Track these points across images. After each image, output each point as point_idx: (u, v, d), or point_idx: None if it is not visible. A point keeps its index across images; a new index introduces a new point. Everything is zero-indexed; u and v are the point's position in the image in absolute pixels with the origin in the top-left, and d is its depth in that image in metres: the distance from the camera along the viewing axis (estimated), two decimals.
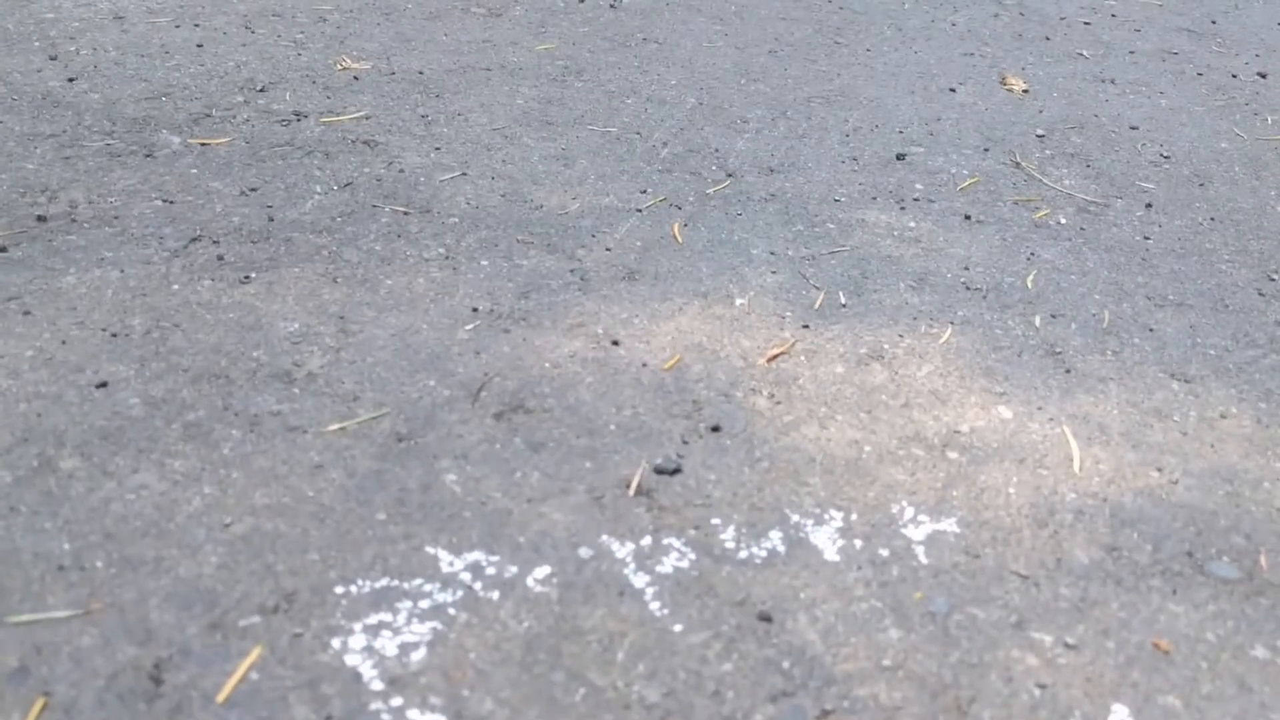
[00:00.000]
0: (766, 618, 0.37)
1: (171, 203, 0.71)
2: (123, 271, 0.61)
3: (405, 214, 0.72)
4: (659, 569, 0.40)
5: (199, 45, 1.08)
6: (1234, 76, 1.18)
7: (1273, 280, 0.71)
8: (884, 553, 0.41)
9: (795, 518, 0.43)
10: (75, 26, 1.09)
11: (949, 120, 0.99)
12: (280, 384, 0.51)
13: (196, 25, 1.15)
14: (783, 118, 0.98)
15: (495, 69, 1.08)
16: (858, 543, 0.42)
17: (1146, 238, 0.77)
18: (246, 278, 0.62)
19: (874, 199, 0.80)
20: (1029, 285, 0.67)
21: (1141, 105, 1.06)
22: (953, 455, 0.49)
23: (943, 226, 0.75)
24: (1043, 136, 0.96)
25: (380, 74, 1.04)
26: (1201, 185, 0.87)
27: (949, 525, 0.43)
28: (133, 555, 0.39)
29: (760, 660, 0.35)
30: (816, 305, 0.62)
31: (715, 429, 0.49)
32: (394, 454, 0.46)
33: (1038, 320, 0.63)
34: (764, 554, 0.41)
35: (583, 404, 0.51)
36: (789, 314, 0.61)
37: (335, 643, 0.35)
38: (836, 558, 0.41)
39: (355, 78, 1.02)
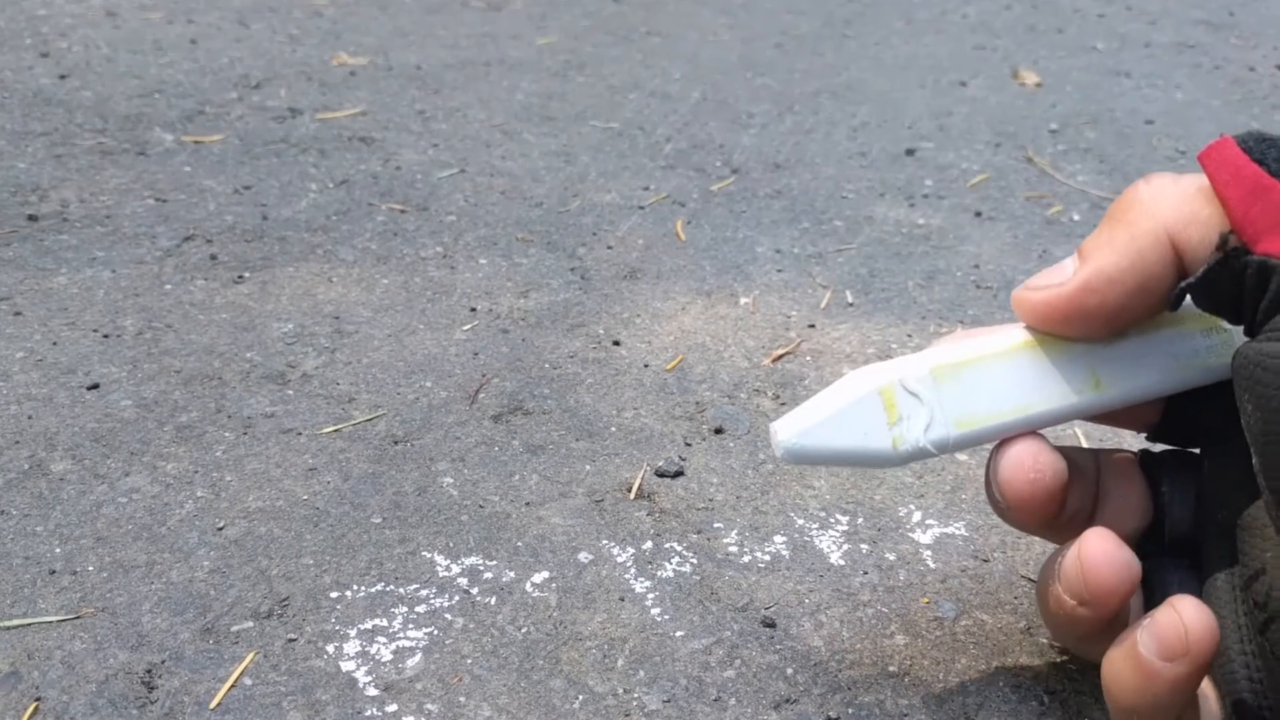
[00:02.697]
0: (770, 623, 0.37)
1: (164, 201, 0.70)
2: (114, 271, 0.60)
3: (402, 212, 0.72)
4: (660, 574, 0.39)
5: (192, 41, 1.07)
6: (1252, 69, 1.17)
7: None
8: (890, 557, 0.41)
9: (800, 521, 0.42)
10: (67, 23, 1.09)
11: (959, 114, 0.98)
12: (274, 385, 0.50)
13: (190, 21, 1.14)
14: (789, 112, 0.97)
15: (495, 64, 1.08)
16: (864, 547, 0.41)
17: None
18: (240, 277, 0.61)
19: (882, 195, 0.79)
20: None
21: (1157, 99, 1.05)
22: (961, 457, 0.48)
23: (953, 223, 0.74)
24: (1055, 131, 0.95)
25: (377, 69, 1.03)
26: None
27: (957, 529, 0.43)
28: (124, 559, 0.38)
29: (763, 667, 0.35)
30: (823, 304, 0.61)
31: (718, 431, 0.48)
32: (390, 456, 0.45)
33: None
34: (767, 558, 0.40)
35: (583, 405, 0.50)
36: (794, 313, 0.60)
37: (330, 648, 0.34)
38: (842, 562, 0.40)
39: (351, 73, 1.01)
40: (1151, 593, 0.28)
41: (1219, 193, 0.23)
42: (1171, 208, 0.24)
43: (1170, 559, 0.28)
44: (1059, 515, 0.28)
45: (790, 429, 0.27)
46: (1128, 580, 0.25)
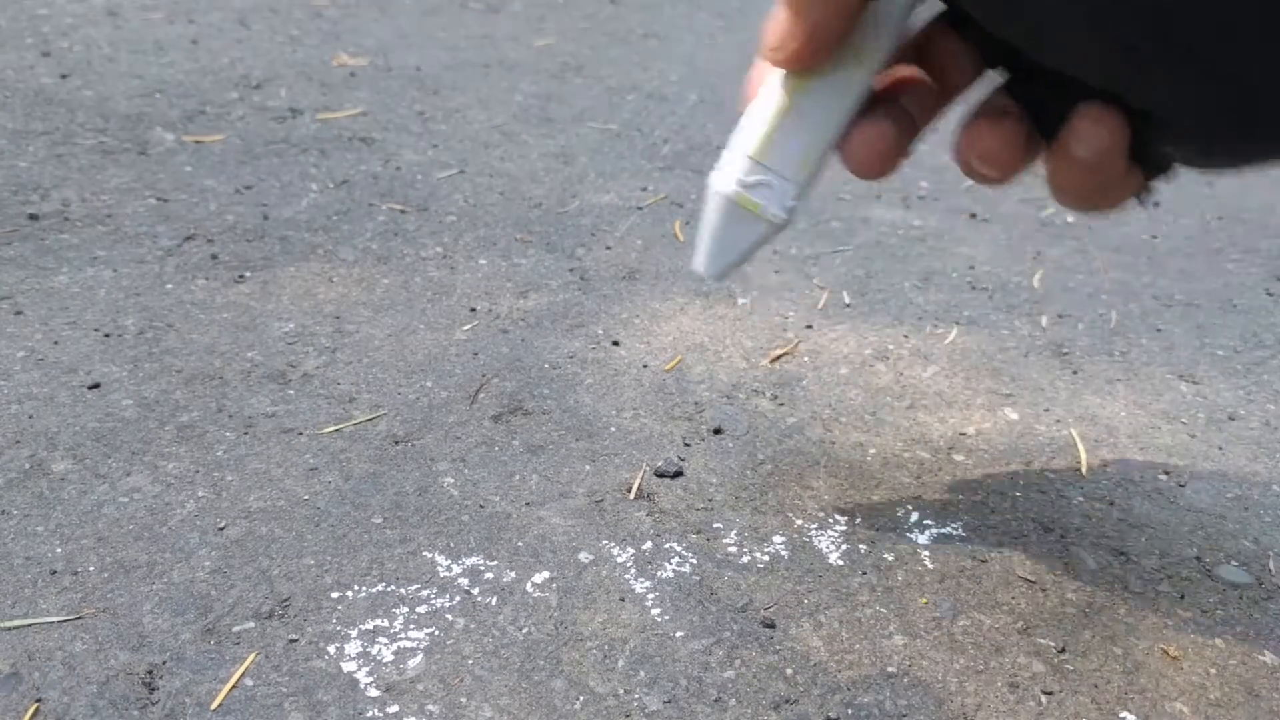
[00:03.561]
0: (769, 624, 0.37)
1: (165, 201, 0.70)
2: (115, 271, 0.60)
3: (402, 212, 0.72)
4: (660, 574, 0.39)
5: (193, 41, 1.07)
6: None
7: None
8: (889, 557, 0.41)
9: (799, 521, 0.43)
10: (68, 23, 1.09)
11: (954, 116, 0.98)
12: (275, 385, 0.50)
13: (191, 21, 1.14)
14: None
15: (494, 65, 1.08)
16: (862, 547, 0.41)
17: (1154, 237, 0.76)
18: (241, 277, 0.61)
19: (878, 197, 0.79)
20: (1035, 285, 0.67)
21: None
22: (959, 458, 0.48)
23: (948, 225, 0.75)
24: None
25: (377, 70, 1.03)
26: (1209, 183, 0.87)
27: (955, 529, 0.43)
28: (125, 559, 0.38)
29: (763, 667, 0.35)
30: (820, 305, 0.62)
31: (717, 431, 0.49)
32: (390, 456, 0.45)
33: (1044, 320, 0.62)
34: (766, 558, 0.40)
35: (582, 406, 0.50)
36: (792, 314, 0.61)
37: (331, 649, 0.34)
38: (840, 562, 0.40)
39: (351, 74, 1.01)
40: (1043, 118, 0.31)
41: None
42: None
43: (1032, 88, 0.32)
44: (909, 141, 0.33)
45: (701, 263, 0.35)
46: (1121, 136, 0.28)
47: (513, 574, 0.38)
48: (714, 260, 0.34)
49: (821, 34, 0.29)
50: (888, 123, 0.32)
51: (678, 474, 0.45)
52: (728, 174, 0.32)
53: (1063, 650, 0.37)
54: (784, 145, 0.32)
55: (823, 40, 0.29)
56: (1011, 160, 0.31)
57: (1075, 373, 0.57)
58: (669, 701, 0.33)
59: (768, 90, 0.32)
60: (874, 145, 0.31)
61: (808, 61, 0.29)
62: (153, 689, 0.32)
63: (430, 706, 0.32)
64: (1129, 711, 0.34)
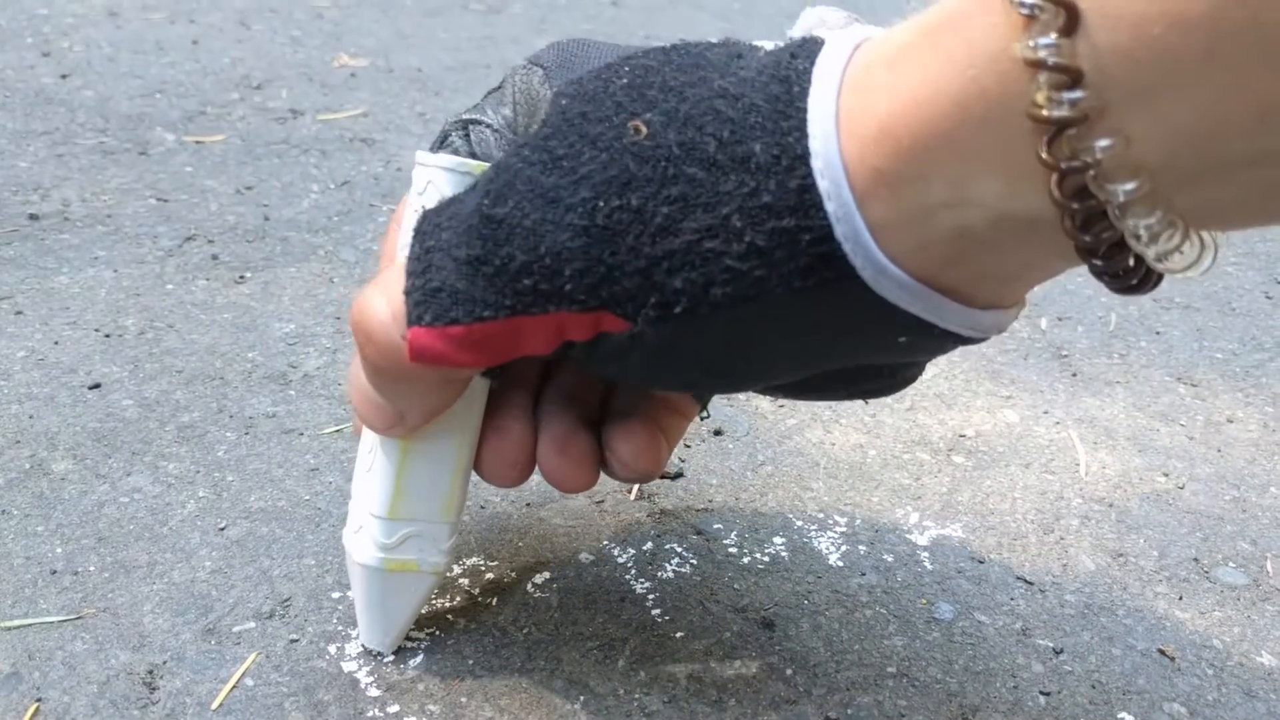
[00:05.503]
0: (769, 624, 0.37)
1: (165, 201, 0.71)
2: (116, 271, 0.60)
3: None
4: (660, 574, 0.39)
5: (194, 42, 1.07)
6: None
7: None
8: (888, 558, 0.41)
9: (798, 523, 0.43)
10: (68, 23, 1.09)
11: None
12: (276, 385, 0.50)
13: (192, 21, 1.14)
14: None
15: (495, 66, 1.08)
16: (862, 548, 0.41)
17: None
18: (242, 278, 0.61)
19: None
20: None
21: None
22: (958, 459, 0.48)
23: None
24: None
25: (378, 71, 1.03)
26: None
27: (954, 530, 0.43)
28: (126, 559, 0.38)
29: (763, 667, 0.35)
30: None
31: (718, 433, 0.49)
32: None
33: (1044, 322, 0.62)
34: (767, 559, 0.40)
35: None
36: None
37: (332, 649, 0.34)
38: (840, 563, 0.40)
39: (353, 75, 1.01)
40: None
41: (451, 361, 0.24)
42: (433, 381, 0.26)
43: None
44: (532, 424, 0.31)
45: (373, 639, 0.33)
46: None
47: (513, 574, 0.39)
48: (387, 631, 0.32)
49: (430, 415, 0.27)
50: (516, 426, 0.29)
51: (678, 475, 0.45)
52: (363, 541, 0.30)
53: (1060, 651, 0.37)
54: (417, 494, 0.29)
55: (432, 416, 0.27)
56: (589, 476, 0.29)
57: (1074, 375, 0.57)
58: (669, 701, 0.33)
59: (379, 452, 0.29)
60: (513, 457, 0.29)
61: (420, 428, 0.28)
62: (153, 689, 0.32)
63: (430, 706, 0.32)
64: (1127, 712, 0.34)
